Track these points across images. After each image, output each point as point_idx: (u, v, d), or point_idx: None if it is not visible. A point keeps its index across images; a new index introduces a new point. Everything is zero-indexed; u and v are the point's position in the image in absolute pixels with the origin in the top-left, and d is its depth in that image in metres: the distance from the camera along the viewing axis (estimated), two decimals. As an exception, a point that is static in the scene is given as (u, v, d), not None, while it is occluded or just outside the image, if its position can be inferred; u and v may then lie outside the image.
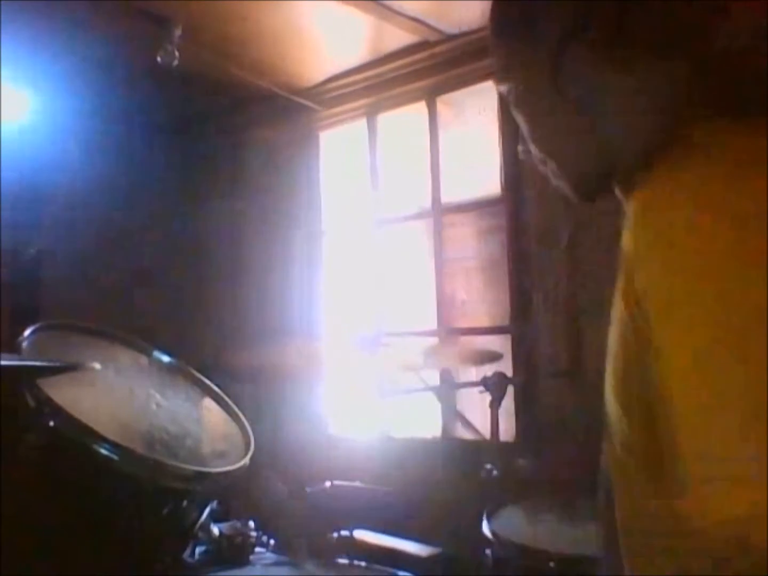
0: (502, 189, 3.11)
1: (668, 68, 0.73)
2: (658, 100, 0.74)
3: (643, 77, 0.74)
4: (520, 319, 3.02)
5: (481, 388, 2.05)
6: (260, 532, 2.03)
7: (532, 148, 0.85)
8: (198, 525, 1.88)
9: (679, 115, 0.73)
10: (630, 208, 0.73)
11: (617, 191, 0.81)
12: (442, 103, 3.38)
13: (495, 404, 2.03)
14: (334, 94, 3.62)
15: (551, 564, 1.59)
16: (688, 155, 0.69)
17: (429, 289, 3.41)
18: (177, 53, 2.77)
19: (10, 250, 3.51)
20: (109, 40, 3.03)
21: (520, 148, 0.88)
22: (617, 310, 0.72)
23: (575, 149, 0.81)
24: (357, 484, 2.17)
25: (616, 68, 0.75)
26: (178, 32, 2.76)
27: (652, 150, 0.71)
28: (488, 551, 1.72)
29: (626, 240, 0.72)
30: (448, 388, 2.85)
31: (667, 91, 0.74)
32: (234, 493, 2.11)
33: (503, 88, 0.84)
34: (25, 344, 1.83)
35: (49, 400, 1.68)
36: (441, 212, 3.37)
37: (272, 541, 2.06)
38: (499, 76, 0.84)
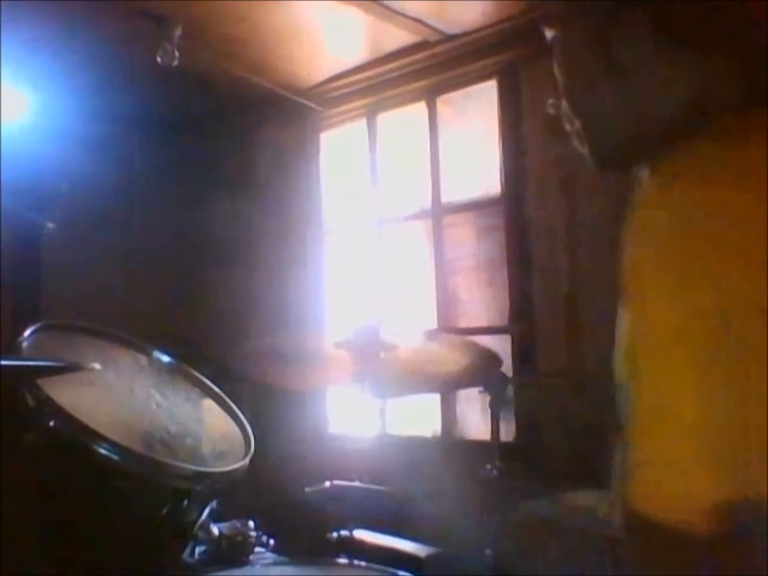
0: (502, 189, 3.11)
1: (709, 58, 0.75)
2: (692, 87, 0.76)
3: (685, 62, 0.76)
4: (520, 319, 3.02)
5: (482, 388, 2.05)
6: (260, 532, 2.03)
7: (564, 104, 0.85)
8: (198, 525, 1.88)
9: (711, 104, 0.74)
10: (646, 184, 0.74)
11: (633, 169, 0.81)
12: (442, 103, 3.38)
13: (495, 404, 2.03)
14: (334, 94, 3.62)
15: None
16: (717, 142, 0.70)
17: (429, 289, 3.41)
18: (177, 53, 2.77)
19: (9, 250, 3.50)
20: (109, 40, 3.03)
21: (550, 101, 0.88)
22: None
23: (606, 113, 0.81)
24: (357, 483, 2.17)
25: (663, 47, 0.76)
26: (178, 32, 2.76)
27: (678, 132, 0.73)
28: (488, 551, 1.72)
29: (633, 216, 0.72)
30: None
31: (703, 80, 0.76)
32: (234, 493, 2.11)
33: (550, 35, 0.85)
34: (25, 344, 1.83)
35: (49, 400, 1.68)
36: (441, 212, 3.37)
37: (272, 541, 2.06)
38: (551, 23, 0.85)
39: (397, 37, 3.14)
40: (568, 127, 0.86)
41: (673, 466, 0.64)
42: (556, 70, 0.85)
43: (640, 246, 0.68)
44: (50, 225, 2.43)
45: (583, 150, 0.85)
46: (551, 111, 0.88)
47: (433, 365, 1.96)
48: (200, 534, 1.92)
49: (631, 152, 0.79)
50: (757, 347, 0.62)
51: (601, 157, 0.84)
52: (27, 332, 1.87)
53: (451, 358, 2.04)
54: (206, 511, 1.88)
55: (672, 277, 0.64)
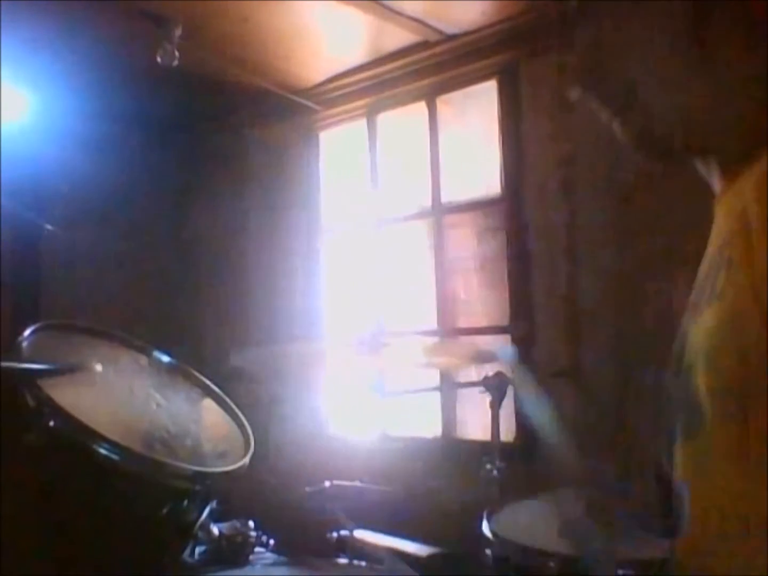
0: (502, 189, 3.10)
1: None
2: None
3: None
4: (520, 319, 3.02)
5: (482, 388, 2.05)
6: (260, 532, 2.03)
7: (608, 85, 0.82)
8: (198, 525, 1.88)
9: None
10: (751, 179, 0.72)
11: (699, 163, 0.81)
12: (442, 103, 3.38)
13: (495, 404, 2.03)
14: (334, 94, 3.62)
15: (551, 564, 1.59)
16: None
17: (429, 288, 3.41)
18: (177, 53, 2.77)
19: (9, 250, 3.51)
20: (109, 40, 3.03)
21: (574, 91, 0.85)
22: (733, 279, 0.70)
23: (700, 99, 0.78)
24: (357, 484, 2.17)
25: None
26: (178, 32, 2.76)
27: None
28: (488, 551, 1.72)
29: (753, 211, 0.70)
30: (448, 388, 2.86)
31: None
32: (234, 493, 2.11)
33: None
34: (25, 344, 1.83)
35: (49, 400, 1.68)
36: (441, 212, 3.37)
37: (272, 541, 2.06)
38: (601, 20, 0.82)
39: (397, 37, 3.14)
40: (607, 111, 0.83)
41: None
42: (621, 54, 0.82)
43: None
44: (49, 227, 2.43)
45: (628, 133, 0.82)
46: (574, 95, 0.84)
47: (434, 364, 1.96)
48: (200, 534, 1.92)
49: (698, 143, 0.79)
50: None
51: (666, 143, 0.82)
52: (27, 332, 1.87)
53: (452, 357, 2.04)
54: (206, 511, 1.88)
55: None
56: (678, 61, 0.78)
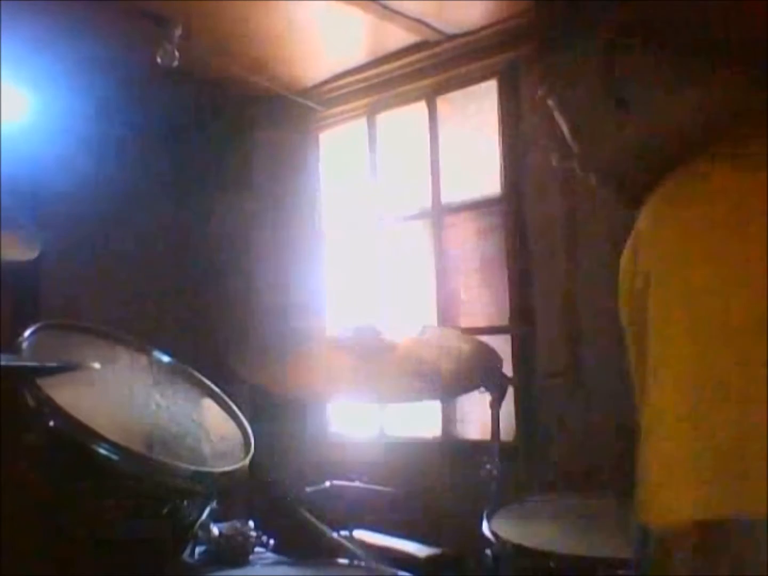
0: (502, 189, 3.11)
1: (723, 79, 0.75)
2: (695, 107, 0.76)
3: (687, 85, 0.76)
4: (520, 319, 3.02)
5: (482, 388, 2.05)
6: (260, 532, 2.03)
7: (575, 160, 0.85)
8: (198, 525, 1.88)
9: (716, 127, 0.74)
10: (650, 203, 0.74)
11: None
12: (443, 102, 3.38)
13: (495, 404, 2.03)
14: (334, 94, 3.62)
15: (551, 564, 1.59)
16: (711, 168, 0.70)
17: (429, 288, 3.41)
18: (177, 53, 2.77)
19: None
20: (109, 40, 3.03)
21: (555, 156, 0.88)
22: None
23: (618, 148, 0.81)
24: (357, 484, 2.17)
25: (665, 73, 0.76)
26: (178, 32, 2.76)
27: (680, 157, 0.73)
28: (488, 551, 1.72)
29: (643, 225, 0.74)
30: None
31: (713, 101, 0.75)
32: (234, 493, 2.11)
33: (547, 90, 0.84)
34: (25, 344, 1.83)
35: (49, 400, 1.68)
36: (441, 212, 3.38)
37: (272, 541, 2.06)
38: (546, 78, 0.84)
39: (397, 37, 3.15)
40: (584, 175, 0.85)
41: (669, 474, 0.62)
42: (562, 123, 0.84)
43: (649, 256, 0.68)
44: (48, 227, 2.42)
45: (608, 192, 0.85)
46: (558, 165, 0.88)
47: (434, 368, 1.95)
48: (200, 534, 1.92)
49: (649, 182, 0.79)
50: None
51: (625, 194, 0.84)
52: (27, 332, 1.87)
53: (452, 358, 2.04)
54: (206, 511, 1.88)
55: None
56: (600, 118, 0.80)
